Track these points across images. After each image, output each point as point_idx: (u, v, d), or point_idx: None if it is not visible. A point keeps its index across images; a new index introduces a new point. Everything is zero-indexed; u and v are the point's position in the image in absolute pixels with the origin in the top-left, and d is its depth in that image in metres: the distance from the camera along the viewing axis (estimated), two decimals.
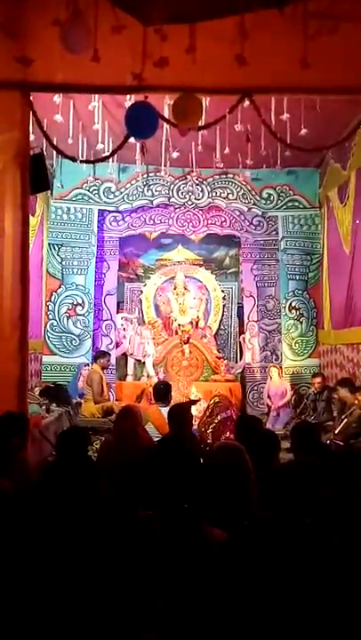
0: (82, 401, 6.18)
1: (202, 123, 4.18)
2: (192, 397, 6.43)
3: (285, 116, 4.52)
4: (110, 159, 5.32)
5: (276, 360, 7.25)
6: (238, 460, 2.03)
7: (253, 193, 7.13)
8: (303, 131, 4.73)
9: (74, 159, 4.61)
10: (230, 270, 8.14)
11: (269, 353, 7.39)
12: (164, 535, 1.62)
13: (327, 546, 1.68)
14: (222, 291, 7.98)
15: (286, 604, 1.53)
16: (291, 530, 1.66)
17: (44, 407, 5.57)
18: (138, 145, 4.93)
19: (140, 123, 3.63)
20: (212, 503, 1.91)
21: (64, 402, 6.10)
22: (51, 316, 6.90)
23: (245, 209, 7.21)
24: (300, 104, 4.57)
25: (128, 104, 4.20)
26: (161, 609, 1.40)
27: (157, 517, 1.79)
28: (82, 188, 6.96)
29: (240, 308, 7.85)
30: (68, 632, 1.45)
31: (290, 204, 7.18)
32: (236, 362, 7.64)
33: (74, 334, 6.93)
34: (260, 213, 7.25)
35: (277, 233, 7.29)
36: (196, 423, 5.38)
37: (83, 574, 1.55)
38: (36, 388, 6.15)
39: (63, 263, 6.99)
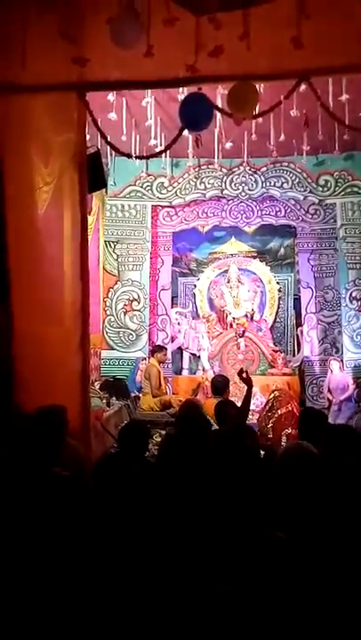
0: (140, 395, 6.28)
1: (257, 111, 4.08)
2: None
3: (344, 97, 4.32)
4: (163, 154, 5.34)
5: (336, 353, 7.01)
6: (311, 470, 1.95)
7: (309, 180, 6.91)
8: None
9: (129, 156, 4.65)
10: (286, 261, 7.95)
11: (329, 345, 7.16)
12: (230, 533, 1.60)
13: None
14: (278, 282, 7.82)
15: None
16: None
17: (104, 401, 5.72)
18: (191, 138, 4.89)
19: (196, 114, 3.59)
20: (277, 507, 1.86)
21: (123, 395, 6.24)
22: (108, 312, 7.06)
23: (301, 197, 7.00)
24: (359, 84, 4.35)
25: (180, 98, 4.18)
26: (235, 606, 1.38)
27: (220, 513, 1.77)
28: (135, 184, 7.04)
29: (297, 299, 7.65)
30: (136, 622, 1.46)
31: (348, 189, 6.89)
32: (294, 355, 7.47)
33: (131, 329, 7.05)
34: (317, 201, 7.01)
35: (335, 221, 7.02)
36: (256, 418, 5.31)
37: (149, 567, 1.57)
38: (96, 383, 6.32)
39: (119, 260, 7.12)
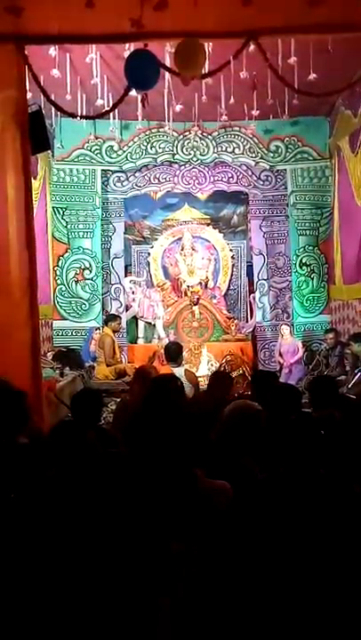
0: (94, 364, 6.24)
1: (205, 70, 3.98)
2: (202, 358, 6.43)
3: (293, 59, 4.26)
4: (111, 116, 5.13)
5: (287, 318, 7.21)
6: (256, 422, 2.02)
7: (260, 146, 6.89)
8: (312, 75, 4.47)
9: (73, 115, 4.44)
10: (239, 228, 7.99)
11: (280, 311, 7.34)
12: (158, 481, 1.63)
13: (348, 497, 1.69)
14: (231, 250, 7.87)
15: (304, 554, 1.56)
16: (307, 481, 1.68)
17: (57, 371, 5.65)
18: (139, 98, 4.72)
19: (141, 72, 3.46)
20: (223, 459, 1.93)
21: (77, 365, 6.18)
22: (59, 281, 6.88)
23: (253, 163, 6.99)
24: (308, 47, 4.30)
25: (127, 54, 3.99)
26: (191, 564, 1.43)
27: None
28: (83, 147, 6.77)
29: (249, 266, 7.75)
30: (87, 594, 1.49)
31: (299, 155, 6.93)
32: (247, 321, 7.63)
33: (83, 299, 6.92)
34: (268, 167, 7.02)
35: (286, 187, 7.08)
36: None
37: (103, 533, 1.59)
38: (49, 353, 6.22)
39: (68, 227, 6.90)
